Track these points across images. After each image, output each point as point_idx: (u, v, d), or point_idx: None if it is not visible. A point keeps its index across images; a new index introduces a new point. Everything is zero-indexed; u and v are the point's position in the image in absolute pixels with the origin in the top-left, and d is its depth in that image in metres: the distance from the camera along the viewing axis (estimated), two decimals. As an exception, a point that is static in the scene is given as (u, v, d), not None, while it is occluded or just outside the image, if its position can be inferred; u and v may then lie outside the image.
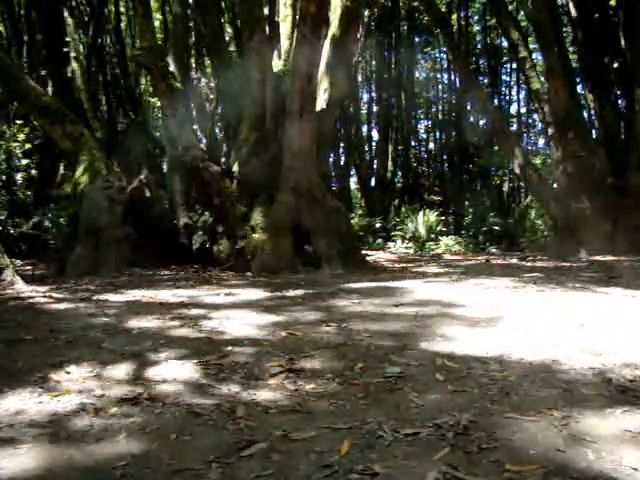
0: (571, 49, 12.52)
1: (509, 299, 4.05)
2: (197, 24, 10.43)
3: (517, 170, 10.64)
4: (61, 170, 11.28)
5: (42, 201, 9.99)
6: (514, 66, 18.20)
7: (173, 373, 2.33)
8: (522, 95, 19.12)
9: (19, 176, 11.05)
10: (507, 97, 19.56)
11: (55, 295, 4.72)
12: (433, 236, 13.09)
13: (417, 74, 20.82)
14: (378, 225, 14.26)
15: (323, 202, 7.05)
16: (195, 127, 10.86)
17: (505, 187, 18.16)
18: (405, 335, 2.94)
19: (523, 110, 19.64)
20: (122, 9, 14.92)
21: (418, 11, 17.79)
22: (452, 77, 19.53)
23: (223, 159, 8.60)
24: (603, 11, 9.76)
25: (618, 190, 8.71)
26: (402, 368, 2.32)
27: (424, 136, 21.54)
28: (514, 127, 18.15)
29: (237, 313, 3.70)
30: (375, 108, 19.97)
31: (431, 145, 21.24)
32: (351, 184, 20.35)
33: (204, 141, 10.76)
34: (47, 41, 11.58)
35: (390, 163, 18.85)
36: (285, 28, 8.31)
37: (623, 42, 9.31)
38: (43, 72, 11.38)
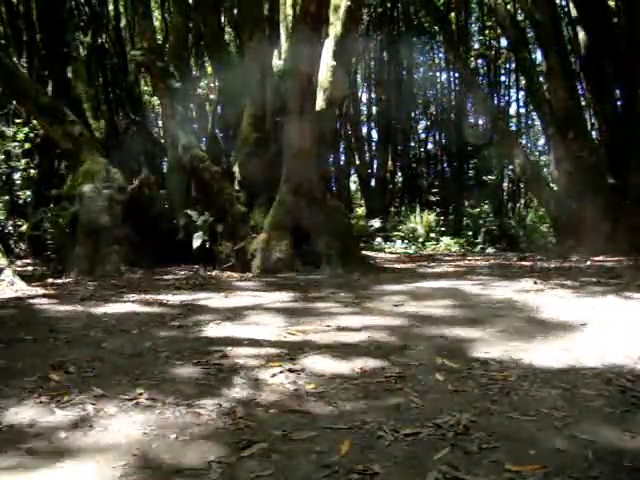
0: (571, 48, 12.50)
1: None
2: (197, 24, 10.42)
3: (517, 170, 10.64)
4: (61, 170, 11.27)
5: (42, 201, 9.98)
6: (512, 66, 18.20)
7: (173, 373, 2.33)
8: (521, 95, 19.12)
9: (18, 176, 11.04)
10: (506, 97, 19.54)
11: (55, 295, 4.72)
12: (432, 236, 13.09)
13: (416, 74, 20.81)
14: (378, 225, 14.25)
15: (323, 202, 7.05)
16: (195, 127, 10.85)
17: (505, 187, 18.16)
18: (404, 335, 2.94)
19: (522, 110, 19.64)
20: (122, 9, 14.91)
21: (417, 11, 17.79)
22: (451, 77, 19.54)
23: (223, 159, 8.60)
24: (603, 11, 9.75)
25: (618, 190, 8.70)
26: (402, 368, 2.33)
27: (423, 136, 21.53)
28: (513, 127, 18.13)
29: (237, 313, 3.70)
30: (375, 108, 19.96)
31: (430, 145, 21.23)
32: (351, 184, 20.34)
33: (204, 141, 10.76)
34: (47, 41, 11.57)
35: (390, 163, 18.84)
36: (285, 28, 8.31)
37: (623, 42, 9.30)
38: (43, 72, 11.38)
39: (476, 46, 19.95)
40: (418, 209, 14.01)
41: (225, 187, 7.28)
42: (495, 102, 17.35)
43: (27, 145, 10.51)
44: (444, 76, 20.31)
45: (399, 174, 19.99)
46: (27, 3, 11.96)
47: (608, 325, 3.03)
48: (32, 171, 11.09)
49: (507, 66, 19.16)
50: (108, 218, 6.85)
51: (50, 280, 6.03)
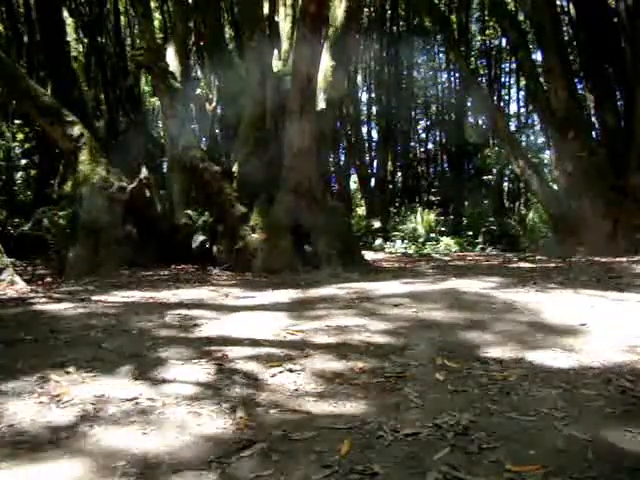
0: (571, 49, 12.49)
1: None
2: (197, 24, 10.43)
3: (517, 170, 10.64)
4: (61, 170, 11.27)
5: (42, 201, 9.98)
6: (513, 66, 18.22)
7: (173, 373, 2.33)
8: (521, 95, 19.14)
9: (19, 176, 11.05)
10: (506, 97, 19.56)
11: (55, 295, 4.72)
12: (433, 236, 13.10)
13: (416, 74, 20.81)
14: (378, 225, 14.26)
15: (323, 202, 7.05)
16: (195, 127, 10.87)
17: (505, 187, 18.16)
18: (404, 335, 2.94)
19: (522, 110, 19.65)
20: (122, 9, 14.92)
21: (417, 11, 17.78)
22: (451, 77, 19.56)
23: (223, 159, 8.60)
24: (603, 11, 9.75)
25: (618, 190, 8.70)
26: (402, 368, 2.33)
27: (424, 136, 21.55)
28: (513, 127, 18.13)
29: (237, 313, 3.70)
30: (375, 108, 19.97)
31: (430, 145, 21.26)
32: (351, 184, 20.34)
33: (204, 141, 10.77)
34: (47, 41, 11.58)
35: (390, 163, 18.84)
36: (285, 28, 8.31)
37: (623, 42, 9.31)
38: (43, 72, 11.39)
39: (476, 46, 19.96)
40: (419, 209, 14.01)
41: (225, 187, 7.28)
42: (495, 102, 17.35)
43: (27, 145, 10.52)
44: (444, 76, 20.34)
45: (399, 174, 20.00)
46: (27, 3, 11.97)
47: (608, 325, 3.03)
48: (32, 171, 11.11)
49: (507, 66, 19.18)
50: (108, 218, 6.84)
51: (50, 280, 6.03)
